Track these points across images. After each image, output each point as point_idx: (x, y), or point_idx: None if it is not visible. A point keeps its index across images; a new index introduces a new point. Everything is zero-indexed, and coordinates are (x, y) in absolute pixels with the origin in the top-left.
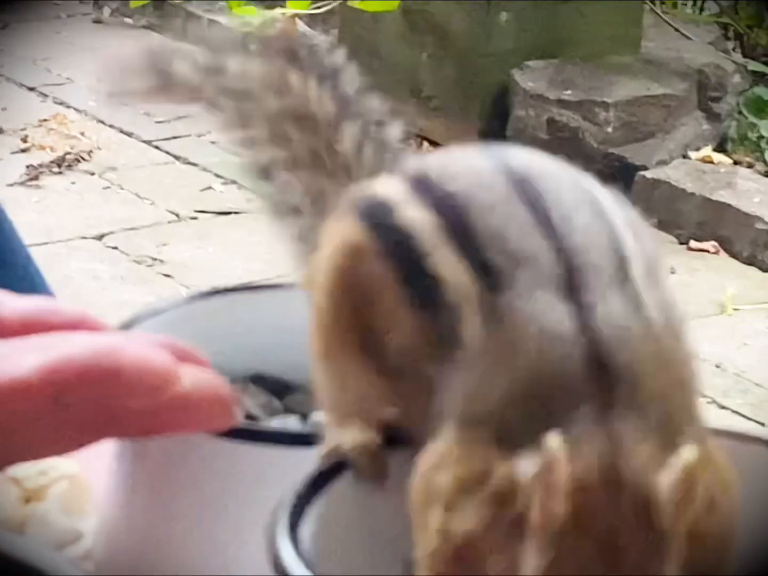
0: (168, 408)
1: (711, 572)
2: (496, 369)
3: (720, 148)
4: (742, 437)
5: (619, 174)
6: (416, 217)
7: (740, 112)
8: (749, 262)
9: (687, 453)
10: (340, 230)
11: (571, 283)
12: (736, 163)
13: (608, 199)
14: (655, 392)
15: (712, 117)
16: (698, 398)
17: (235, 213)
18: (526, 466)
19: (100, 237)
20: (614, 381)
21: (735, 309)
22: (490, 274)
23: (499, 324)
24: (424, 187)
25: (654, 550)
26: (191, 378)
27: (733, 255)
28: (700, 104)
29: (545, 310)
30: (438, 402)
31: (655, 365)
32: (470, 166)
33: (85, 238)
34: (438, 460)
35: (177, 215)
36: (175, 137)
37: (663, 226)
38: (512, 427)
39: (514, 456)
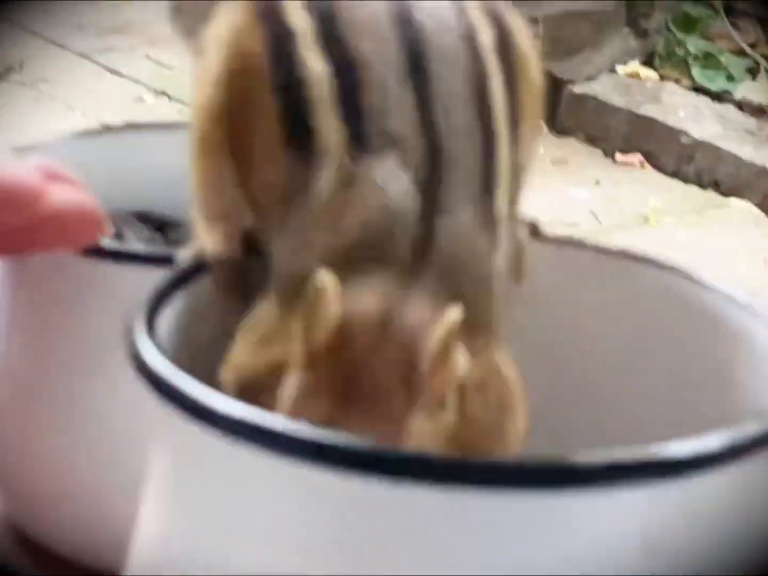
0: (36, 225)
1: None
2: (324, 229)
3: (648, 64)
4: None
5: (547, 89)
6: (298, 22)
7: (668, 29)
8: (674, 175)
9: (452, 312)
10: (230, 22)
11: (432, 178)
12: (662, 78)
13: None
14: (461, 286)
15: (640, 33)
16: (499, 321)
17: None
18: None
19: (31, 148)
20: (429, 261)
21: (658, 221)
22: (360, 136)
23: (349, 188)
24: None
25: (407, 395)
26: (60, 195)
27: (658, 168)
28: (628, 20)
29: (396, 189)
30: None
31: (474, 276)
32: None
33: (16, 149)
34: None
35: (108, 127)
36: (107, 49)
37: (590, 139)
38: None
39: None
